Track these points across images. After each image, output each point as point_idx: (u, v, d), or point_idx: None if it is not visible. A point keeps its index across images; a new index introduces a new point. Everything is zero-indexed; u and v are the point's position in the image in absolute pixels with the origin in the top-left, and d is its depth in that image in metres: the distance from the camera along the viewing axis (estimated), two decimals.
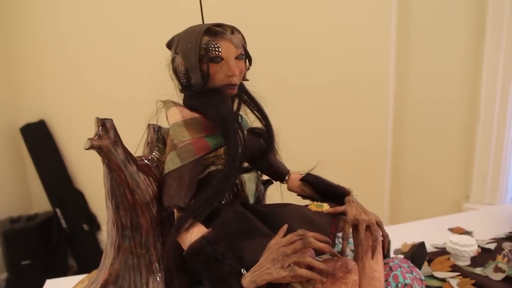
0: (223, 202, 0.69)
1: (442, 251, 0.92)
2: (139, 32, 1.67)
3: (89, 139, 0.49)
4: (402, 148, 1.52)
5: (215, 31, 0.59)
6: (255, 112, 0.70)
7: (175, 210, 0.56)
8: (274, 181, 0.77)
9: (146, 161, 0.58)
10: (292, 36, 1.48)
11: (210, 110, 0.60)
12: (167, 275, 0.56)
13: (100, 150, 0.50)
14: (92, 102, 1.87)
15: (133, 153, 0.56)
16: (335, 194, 0.70)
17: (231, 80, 0.60)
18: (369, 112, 1.47)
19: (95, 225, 2.14)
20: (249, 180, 0.74)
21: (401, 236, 1.02)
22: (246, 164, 0.74)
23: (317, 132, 1.55)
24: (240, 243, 0.56)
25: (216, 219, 0.61)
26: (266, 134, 0.71)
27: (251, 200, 0.75)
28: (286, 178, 0.74)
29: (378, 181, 1.51)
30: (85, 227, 2.09)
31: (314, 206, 0.68)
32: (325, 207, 0.67)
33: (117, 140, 0.52)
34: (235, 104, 0.71)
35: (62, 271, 2.10)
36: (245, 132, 0.65)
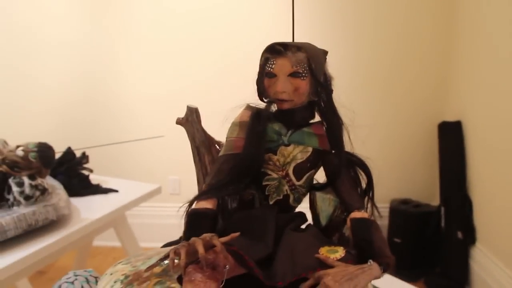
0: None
1: None
2: None
3: (178, 117, 0.77)
4: None
5: (276, 49, 0.65)
6: (329, 133, 0.66)
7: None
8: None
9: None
10: None
11: (251, 116, 0.68)
12: None
13: (182, 126, 0.77)
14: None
15: None
16: (365, 252, 0.56)
17: (278, 95, 0.65)
18: None
19: (471, 237, 2.01)
20: (322, 200, 0.71)
21: None
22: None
23: None
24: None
25: (243, 212, 0.69)
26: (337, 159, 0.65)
27: (323, 221, 0.71)
28: (349, 214, 0.64)
29: None
30: (459, 234, 2.03)
31: (325, 250, 0.58)
32: (340, 253, 0.56)
33: (197, 123, 0.76)
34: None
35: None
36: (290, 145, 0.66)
